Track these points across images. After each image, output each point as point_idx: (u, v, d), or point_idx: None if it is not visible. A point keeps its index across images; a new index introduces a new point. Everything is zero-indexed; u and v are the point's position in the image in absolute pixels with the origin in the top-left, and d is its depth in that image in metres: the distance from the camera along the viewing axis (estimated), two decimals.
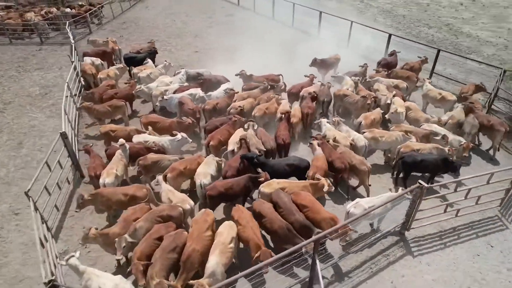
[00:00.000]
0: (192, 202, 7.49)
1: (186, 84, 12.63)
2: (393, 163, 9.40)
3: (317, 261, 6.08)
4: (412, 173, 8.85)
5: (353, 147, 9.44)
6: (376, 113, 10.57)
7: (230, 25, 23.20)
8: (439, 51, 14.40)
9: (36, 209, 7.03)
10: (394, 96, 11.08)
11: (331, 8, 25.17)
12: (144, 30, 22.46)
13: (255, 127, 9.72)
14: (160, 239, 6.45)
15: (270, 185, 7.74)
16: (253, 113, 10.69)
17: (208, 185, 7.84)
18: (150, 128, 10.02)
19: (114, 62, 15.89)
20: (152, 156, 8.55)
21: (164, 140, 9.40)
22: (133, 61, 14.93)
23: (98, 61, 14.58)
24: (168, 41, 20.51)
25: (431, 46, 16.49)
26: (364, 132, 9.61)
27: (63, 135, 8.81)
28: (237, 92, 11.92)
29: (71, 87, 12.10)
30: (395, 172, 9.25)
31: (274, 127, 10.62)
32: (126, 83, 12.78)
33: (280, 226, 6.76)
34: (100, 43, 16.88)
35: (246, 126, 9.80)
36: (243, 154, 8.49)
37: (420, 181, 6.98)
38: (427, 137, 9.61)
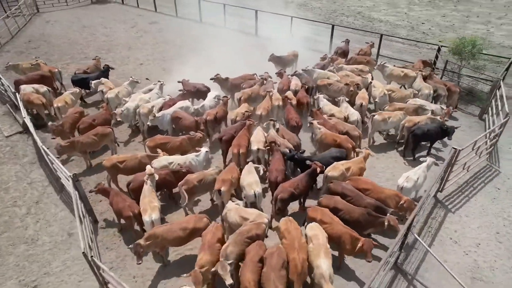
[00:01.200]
0: (266, 215, 7.12)
1: (167, 97, 11.66)
2: (398, 138, 10.45)
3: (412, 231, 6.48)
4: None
5: (347, 120, 10.47)
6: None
7: (161, 32, 22.00)
8: (382, 35, 16.26)
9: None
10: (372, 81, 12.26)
11: (255, 6, 25.85)
12: (63, 47, 19.62)
13: (276, 126, 9.65)
14: (261, 260, 6.03)
15: (336, 168, 7.98)
16: (258, 113, 10.62)
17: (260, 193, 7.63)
18: (159, 150, 9.04)
19: (55, 87, 13.62)
20: (193, 177, 7.77)
21: (189, 158, 8.62)
22: (85, 82, 13.07)
23: (43, 88, 12.31)
24: (101, 56, 18.34)
25: (374, 32, 18.44)
26: (374, 115, 10.38)
27: (74, 178, 7.35)
28: (229, 98, 11.53)
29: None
30: (402, 146, 10.30)
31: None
32: (99, 107, 11.18)
33: (361, 213, 6.97)
34: (27, 67, 14.20)
35: (265, 126, 9.74)
36: (289, 155, 8.43)
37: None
38: (417, 111, 10.90)
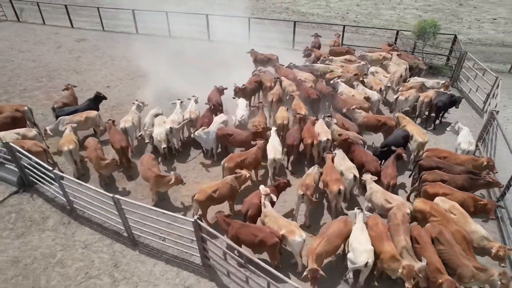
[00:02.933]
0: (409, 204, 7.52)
1: (195, 111, 10.84)
2: (418, 113, 11.83)
3: None
4: None
5: (369, 101, 11.43)
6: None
7: (100, 49, 19.51)
8: (344, 27, 17.77)
9: None
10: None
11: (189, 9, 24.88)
12: None
13: (334, 121, 9.96)
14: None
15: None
16: (269, 99, 11.27)
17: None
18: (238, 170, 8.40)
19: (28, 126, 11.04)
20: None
21: None
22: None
23: (31, 131, 9.92)
24: (48, 85, 15.42)
25: (334, 25, 19.82)
26: (398, 96, 11.52)
27: (195, 223, 6.37)
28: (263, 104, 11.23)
29: None
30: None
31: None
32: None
33: (464, 179, 7.89)
34: None
35: (322, 120, 10.11)
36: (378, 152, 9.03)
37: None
38: (421, 88, 12.47)
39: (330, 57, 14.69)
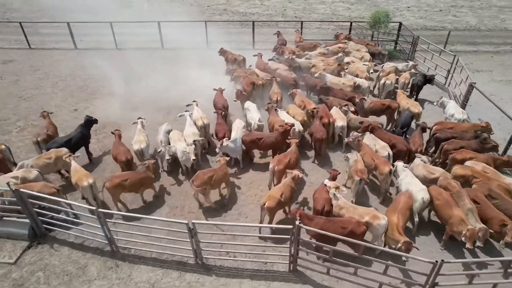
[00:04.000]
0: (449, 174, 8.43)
1: (205, 116, 10.68)
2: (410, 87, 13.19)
3: None
4: None
5: (359, 88, 12.54)
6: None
7: (40, 70, 17.13)
8: (302, 22, 18.61)
9: None
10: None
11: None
12: None
13: (351, 109, 10.66)
14: None
15: None
16: (274, 99, 11.80)
17: None
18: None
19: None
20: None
21: None
22: (69, 147, 9.57)
23: (31, 173, 8.36)
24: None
25: (292, 21, 20.48)
26: (385, 81, 12.66)
27: (297, 228, 6.29)
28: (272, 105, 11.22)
29: None
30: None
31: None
32: (141, 165, 8.70)
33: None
34: None
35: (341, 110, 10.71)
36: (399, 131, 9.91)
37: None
38: (395, 71, 13.85)
39: (306, 52, 15.33)
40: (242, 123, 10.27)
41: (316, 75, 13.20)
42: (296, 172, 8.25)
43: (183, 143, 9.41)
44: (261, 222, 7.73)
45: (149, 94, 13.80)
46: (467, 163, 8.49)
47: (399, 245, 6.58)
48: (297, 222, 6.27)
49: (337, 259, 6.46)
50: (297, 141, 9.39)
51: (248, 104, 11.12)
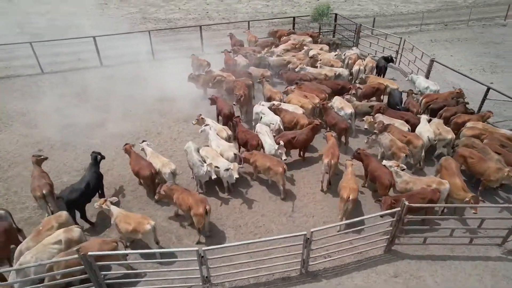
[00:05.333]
0: None
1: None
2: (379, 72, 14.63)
3: None
4: None
5: (340, 77, 13.66)
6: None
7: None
8: (249, 22, 18.81)
9: None
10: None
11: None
12: None
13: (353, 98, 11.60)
14: None
15: None
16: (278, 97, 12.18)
17: None
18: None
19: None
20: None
21: None
22: (89, 192, 8.07)
23: (74, 231, 6.77)
24: None
25: (238, 22, 20.35)
26: (358, 68, 13.93)
27: None
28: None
29: None
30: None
31: None
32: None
33: None
34: None
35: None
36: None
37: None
38: (358, 57, 15.26)
39: (272, 49, 15.69)
40: (266, 126, 10.08)
41: (297, 69, 13.71)
42: (349, 162, 8.66)
43: (222, 159, 8.83)
44: (343, 214, 7.89)
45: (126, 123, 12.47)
46: (468, 124, 10.13)
47: (467, 199, 7.60)
48: (406, 202, 6.69)
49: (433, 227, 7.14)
50: (334, 134, 9.73)
51: (260, 108, 10.95)
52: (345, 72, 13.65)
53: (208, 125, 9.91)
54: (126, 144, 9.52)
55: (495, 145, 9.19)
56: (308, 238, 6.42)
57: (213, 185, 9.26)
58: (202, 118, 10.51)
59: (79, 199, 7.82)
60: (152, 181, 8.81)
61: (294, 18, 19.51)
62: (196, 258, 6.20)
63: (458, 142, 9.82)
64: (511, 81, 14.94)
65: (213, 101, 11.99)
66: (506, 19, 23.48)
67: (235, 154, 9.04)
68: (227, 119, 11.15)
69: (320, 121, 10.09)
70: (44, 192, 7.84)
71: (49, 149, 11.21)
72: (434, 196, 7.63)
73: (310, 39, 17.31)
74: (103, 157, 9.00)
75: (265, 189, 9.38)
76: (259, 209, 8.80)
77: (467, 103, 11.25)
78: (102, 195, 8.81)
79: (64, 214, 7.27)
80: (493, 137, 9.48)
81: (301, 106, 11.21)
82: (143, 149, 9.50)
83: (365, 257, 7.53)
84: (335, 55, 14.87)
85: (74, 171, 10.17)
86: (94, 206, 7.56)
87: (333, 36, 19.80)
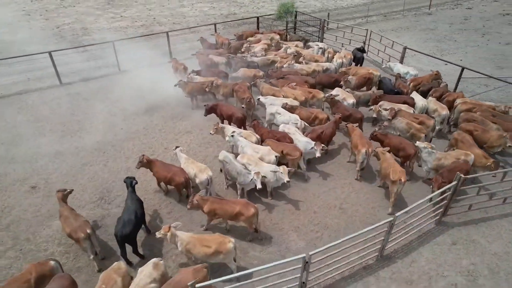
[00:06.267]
0: None
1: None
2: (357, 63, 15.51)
3: None
4: None
5: (327, 71, 14.41)
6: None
7: None
8: (215, 24, 18.41)
9: None
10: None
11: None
12: None
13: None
14: None
15: None
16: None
17: None
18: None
19: None
20: None
21: None
22: (140, 223, 7.31)
23: (160, 265, 6.06)
24: None
25: (208, 24, 19.60)
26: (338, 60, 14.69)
27: None
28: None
29: None
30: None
31: None
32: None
33: None
34: None
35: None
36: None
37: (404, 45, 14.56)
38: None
39: (252, 51, 15.72)
40: (292, 125, 10.15)
41: (285, 65, 14.00)
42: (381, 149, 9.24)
43: (266, 164, 8.68)
44: (395, 197, 8.36)
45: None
46: (459, 100, 11.45)
47: (489, 164, 8.69)
48: (462, 175, 7.40)
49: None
50: (355, 125, 10.19)
51: (274, 108, 10.91)
52: (332, 66, 14.31)
53: (235, 131, 9.59)
54: (142, 155, 8.88)
55: (489, 116, 10.57)
56: (393, 224, 6.73)
57: (252, 192, 9.06)
58: (220, 126, 10.14)
59: (133, 231, 7.00)
60: (186, 187, 8.51)
61: (258, 18, 19.69)
62: (300, 265, 6.09)
63: (455, 117, 11.10)
64: (464, 60, 17.14)
65: (211, 109, 11.56)
66: (430, 8, 26.76)
67: (276, 156, 8.92)
68: (241, 122, 10.94)
69: (340, 115, 10.47)
70: (88, 231, 6.88)
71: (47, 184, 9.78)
72: (467, 167, 8.55)
73: (278, 37, 17.74)
74: (136, 182, 8.16)
75: (303, 187, 9.46)
76: (308, 207, 8.87)
77: (446, 85, 12.70)
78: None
79: (122, 265, 6.24)
80: (483, 109, 10.89)
81: (294, 98, 11.57)
82: (176, 155, 9.24)
83: (422, 232, 8.11)
84: (319, 49, 15.51)
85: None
86: (156, 235, 6.87)
87: (295, 33, 20.48)
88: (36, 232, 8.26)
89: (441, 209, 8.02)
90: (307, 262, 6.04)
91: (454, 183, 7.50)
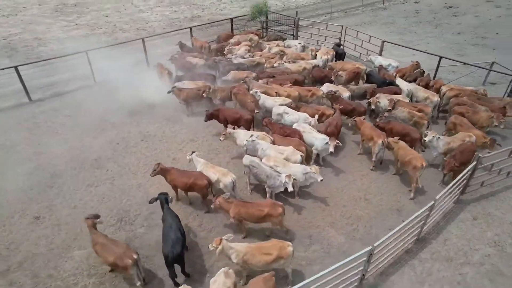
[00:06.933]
0: None
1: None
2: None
3: None
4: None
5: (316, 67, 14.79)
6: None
7: None
8: (191, 28, 17.92)
9: None
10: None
11: None
12: None
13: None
14: None
15: None
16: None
17: None
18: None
19: None
20: None
21: None
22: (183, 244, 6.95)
23: None
24: None
25: (182, 29, 18.94)
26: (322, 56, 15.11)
27: None
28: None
29: None
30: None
31: None
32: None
33: None
34: None
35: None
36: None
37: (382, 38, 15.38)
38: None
39: (236, 53, 15.59)
40: (304, 123, 10.27)
41: (275, 64, 14.15)
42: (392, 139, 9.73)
43: (294, 165, 8.71)
44: (417, 182, 8.86)
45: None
46: (444, 87, 12.39)
47: (485, 141, 9.56)
48: (480, 155, 8.05)
49: None
50: (363, 117, 10.59)
51: (281, 108, 10.92)
52: (319, 63, 14.65)
53: (253, 135, 9.46)
54: (157, 164, 8.52)
55: (475, 99, 11.58)
56: (433, 207, 7.14)
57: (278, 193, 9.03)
58: (229, 132, 9.97)
59: (183, 250, 6.63)
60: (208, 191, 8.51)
61: (231, 19, 19.52)
62: (364, 258, 6.23)
63: (445, 103, 12.02)
64: (429, 51, 18.48)
65: (211, 115, 11.31)
66: (384, 3, 28.51)
67: (301, 156, 8.97)
68: (250, 124, 10.86)
69: (340, 105, 10.85)
70: (135, 257, 6.38)
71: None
72: (474, 147, 9.32)
73: (256, 37, 17.77)
74: (171, 199, 7.71)
75: (324, 183, 9.53)
76: (336, 202, 9.04)
77: (428, 74, 13.67)
78: None
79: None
80: (468, 93, 11.91)
81: (288, 95, 11.78)
82: (191, 161, 9.04)
83: (445, 212, 8.68)
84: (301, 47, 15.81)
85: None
86: (209, 248, 6.57)
87: (267, 33, 20.66)
88: (58, 266, 7.48)
89: (460, 189, 8.64)
90: (371, 254, 6.19)
91: (474, 163, 8.13)
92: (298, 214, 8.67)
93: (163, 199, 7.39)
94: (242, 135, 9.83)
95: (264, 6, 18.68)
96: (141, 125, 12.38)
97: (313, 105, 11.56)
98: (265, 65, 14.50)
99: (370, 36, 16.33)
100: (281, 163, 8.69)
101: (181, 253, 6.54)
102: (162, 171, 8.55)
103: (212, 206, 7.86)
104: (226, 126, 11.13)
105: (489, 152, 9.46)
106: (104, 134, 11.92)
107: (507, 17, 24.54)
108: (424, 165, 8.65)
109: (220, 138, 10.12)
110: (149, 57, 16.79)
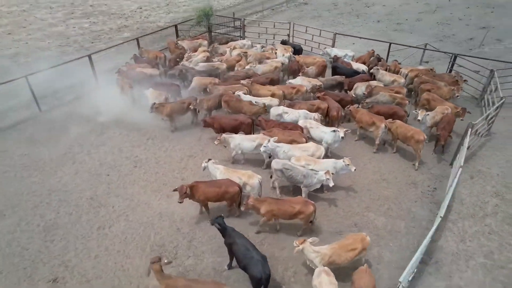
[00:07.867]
0: None
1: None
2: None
3: None
4: None
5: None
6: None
7: None
8: (138, 39, 16.55)
9: None
10: None
11: None
12: None
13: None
14: None
15: None
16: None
17: None
18: None
19: None
20: None
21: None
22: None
23: None
24: None
25: (132, 39, 17.19)
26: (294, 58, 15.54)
27: None
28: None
29: None
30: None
31: None
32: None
33: None
34: None
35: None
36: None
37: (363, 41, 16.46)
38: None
39: (221, 57, 15.36)
40: (310, 120, 10.52)
41: (247, 66, 14.14)
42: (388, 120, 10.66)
43: (323, 161, 8.95)
44: (420, 153, 9.91)
45: None
46: (404, 70, 13.96)
47: (458, 110, 11.15)
48: (473, 122, 9.36)
49: None
50: (356, 106, 11.28)
51: (280, 108, 10.99)
52: (286, 61, 14.99)
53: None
54: (184, 187, 7.85)
55: (432, 76, 13.31)
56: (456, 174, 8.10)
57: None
58: (223, 137, 9.84)
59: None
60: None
61: (176, 26, 18.58)
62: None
63: (408, 83, 13.55)
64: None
65: (207, 123, 10.96)
66: None
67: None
68: (250, 128, 10.72)
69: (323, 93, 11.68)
70: None
71: None
72: (454, 117, 10.78)
73: (206, 42, 17.42)
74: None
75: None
76: (361, 187, 9.53)
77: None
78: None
79: None
80: (424, 72, 13.62)
81: (272, 94, 12.11)
82: (206, 169, 8.81)
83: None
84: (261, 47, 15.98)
85: None
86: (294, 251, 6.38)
87: (210, 36, 20.26)
88: None
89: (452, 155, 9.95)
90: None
91: (469, 130, 9.42)
92: (334, 206, 8.93)
93: (222, 223, 6.85)
94: (238, 140, 9.77)
95: (210, 10, 18.28)
96: (124, 150, 11.13)
97: (300, 101, 11.87)
98: (236, 68, 14.29)
99: (320, 30, 17.35)
100: (311, 161, 8.80)
101: (270, 273, 6.22)
102: (190, 191, 7.89)
103: (242, 208, 7.81)
104: (223, 132, 10.77)
105: (462, 120, 11.04)
106: (82, 166, 10.37)
107: (407, 5, 28.50)
108: (425, 137, 9.71)
109: (215, 142, 10.04)
110: (97, 73, 15.01)
